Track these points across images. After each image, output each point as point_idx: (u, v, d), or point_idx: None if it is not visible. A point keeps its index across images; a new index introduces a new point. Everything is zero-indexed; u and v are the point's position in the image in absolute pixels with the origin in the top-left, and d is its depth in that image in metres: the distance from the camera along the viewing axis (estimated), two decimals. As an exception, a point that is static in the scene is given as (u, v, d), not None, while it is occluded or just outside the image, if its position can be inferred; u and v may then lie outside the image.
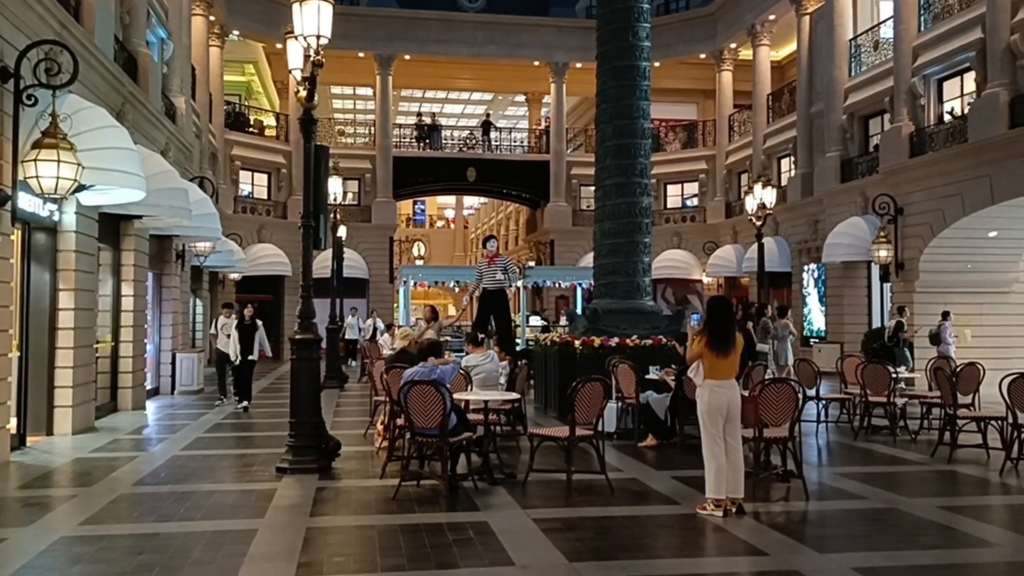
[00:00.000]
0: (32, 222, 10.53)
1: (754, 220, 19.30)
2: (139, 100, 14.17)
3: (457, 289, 31.95)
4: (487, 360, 10.17)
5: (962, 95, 18.56)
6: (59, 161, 9.09)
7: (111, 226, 13.62)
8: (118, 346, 14.08)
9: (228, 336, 14.67)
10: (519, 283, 23.64)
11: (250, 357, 14.58)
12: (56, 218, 11.09)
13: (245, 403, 14.51)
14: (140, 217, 13.77)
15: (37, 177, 9.10)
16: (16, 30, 9.55)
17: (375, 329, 23.41)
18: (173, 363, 17.15)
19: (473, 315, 15.27)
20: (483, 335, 10.99)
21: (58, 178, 9.13)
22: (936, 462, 9.78)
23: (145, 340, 15.32)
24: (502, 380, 10.52)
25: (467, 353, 10.48)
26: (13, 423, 9.98)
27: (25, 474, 8.91)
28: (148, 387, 15.78)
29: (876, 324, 21.21)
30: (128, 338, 14.21)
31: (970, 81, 18.08)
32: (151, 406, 14.98)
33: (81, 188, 9.81)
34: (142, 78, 14.92)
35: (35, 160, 9.06)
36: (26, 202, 9.83)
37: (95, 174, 9.85)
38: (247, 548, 6.05)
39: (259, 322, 14.97)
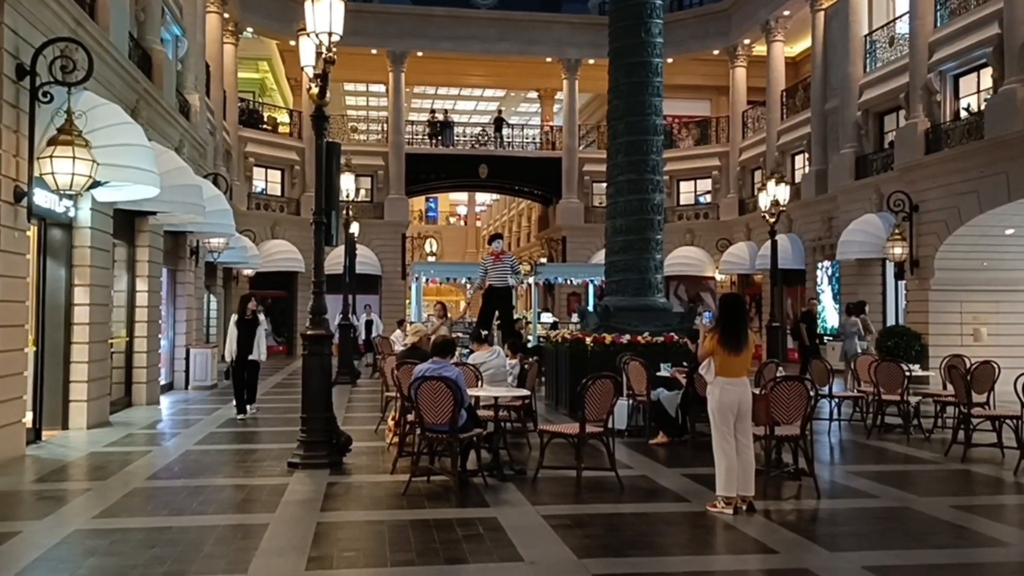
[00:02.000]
0: (48, 218, 10.62)
1: (768, 217, 19.24)
2: (153, 97, 14.25)
3: (469, 285, 31.99)
4: (494, 356, 10.22)
5: (978, 91, 18.42)
6: (74, 158, 9.16)
7: (126, 222, 13.70)
8: (132, 341, 14.18)
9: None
10: (530, 280, 23.67)
11: (251, 357, 13.10)
12: (71, 214, 11.18)
13: (242, 414, 12.99)
14: (154, 213, 13.84)
15: (53, 173, 9.18)
16: (32, 28, 9.62)
17: (370, 325, 23.41)
18: (187, 358, 17.26)
19: (476, 311, 15.23)
20: (487, 332, 11.01)
21: (73, 174, 9.20)
22: (950, 461, 9.73)
23: (159, 335, 15.41)
24: (510, 379, 10.55)
25: (472, 351, 10.51)
26: (29, 417, 10.07)
27: (41, 468, 9.00)
28: (162, 382, 15.88)
29: (891, 322, 21.10)
30: (142, 333, 14.30)
31: (987, 77, 17.95)
32: (165, 401, 15.07)
33: (96, 184, 9.88)
34: (156, 75, 15.01)
35: (51, 157, 9.14)
36: (42, 198, 9.91)
37: (110, 170, 9.91)
38: (258, 542, 6.09)
39: (262, 318, 13.63)
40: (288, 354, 28.39)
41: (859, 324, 16.73)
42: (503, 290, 13.31)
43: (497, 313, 13.82)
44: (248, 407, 13.23)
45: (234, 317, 13.35)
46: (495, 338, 12.78)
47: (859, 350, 16.07)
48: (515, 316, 15.06)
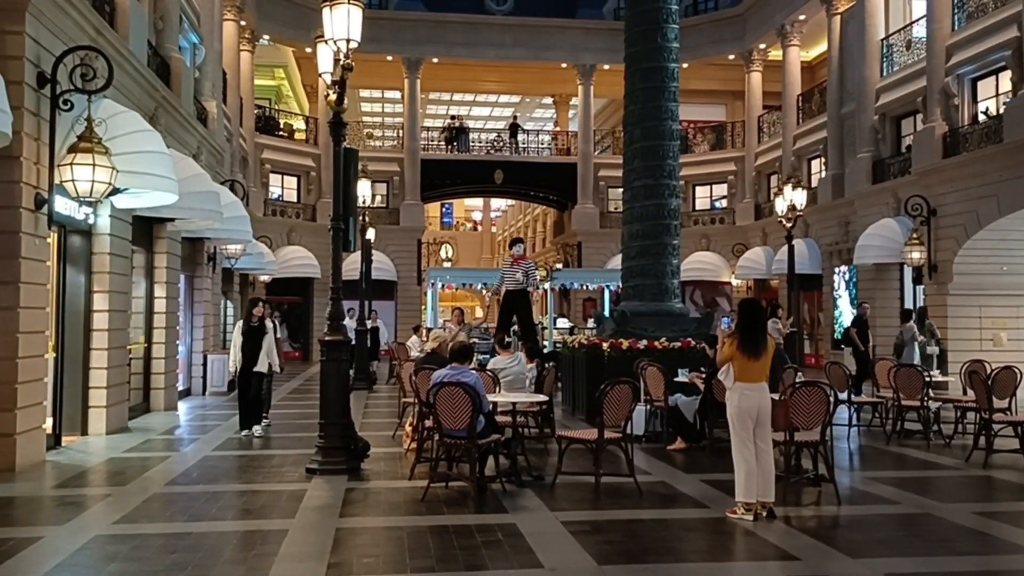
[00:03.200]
0: (68, 225, 10.71)
1: (784, 222, 19.13)
2: (172, 104, 14.35)
3: (484, 291, 32.10)
4: (514, 363, 10.23)
5: (997, 95, 18.27)
6: (94, 165, 9.22)
7: (144, 229, 13.80)
8: (151, 347, 14.27)
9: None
10: (545, 286, 23.65)
11: (256, 368, 11.63)
12: (91, 221, 11.27)
13: (246, 430, 11.60)
14: (172, 220, 13.93)
15: (73, 181, 9.24)
16: (53, 36, 9.71)
17: (376, 332, 23.14)
18: (204, 364, 17.34)
19: (496, 316, 15.34)
20: (509, 338, 11.02)
21: (93, 181, 9.27)
22: (971, 467, 9.63)
23: (177, 341, 15.49)
24: (527, 383, 10.53)
25: (492, 356, 10.54)
26: (49, 423, 10.15)
27: (60, 473, 9.06)
28: (180, 388, 15.95)
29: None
30: (161, 339, 14.39)
31: (1005, 80, 17.79)
32: (183, 407, 15.14)
33: (115, 191, 9.95)
34: (175, 83, 15.11)
35: (71, 164, 9.20)
36: (62, 205, 10.00)
37: (129, 177, 9.98)
38: (278, 548, 6.11)
39: (270, 324, 12.01)
40: (304, 360, 28.48)
41: (914, 330, 16.40)
42: (517, 292, 13.35)
43: (515, 317, 13.83)
44: (258, 424, 11.80)
45: (239, 324, 11.96)
46: (514, 343, 12.74)
47: (916, 360, 15.76)
48: (535, 320, 14.99)
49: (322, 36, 9.21)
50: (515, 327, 14.05)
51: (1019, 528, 6.94)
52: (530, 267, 13.96)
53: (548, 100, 38.73)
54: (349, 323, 20.39)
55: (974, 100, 18.95)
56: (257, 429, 11.72)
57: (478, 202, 55.91)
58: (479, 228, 59.47)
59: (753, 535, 6.63)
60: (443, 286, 25.16)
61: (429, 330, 16.37)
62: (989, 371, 11.13)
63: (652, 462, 9.71)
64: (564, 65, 32.58)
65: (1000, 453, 9.84)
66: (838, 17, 24.81)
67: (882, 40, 22.53)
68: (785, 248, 19.85)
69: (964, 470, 9.54)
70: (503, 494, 7.94)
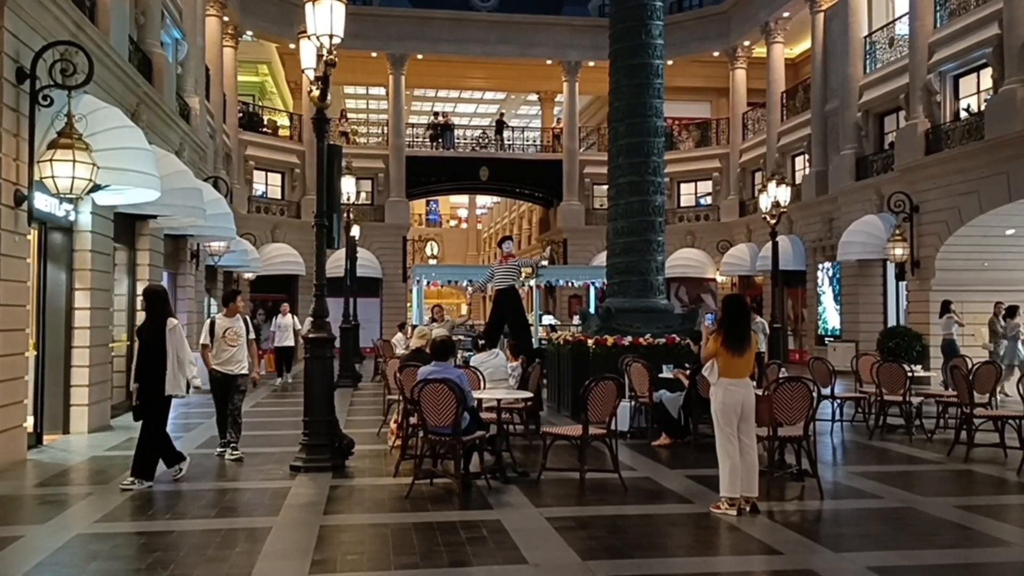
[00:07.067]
0: (48, 222, 10.61)
1: (768, 218, 19.24)
2: (153, 100, 14.24)
3: (470, 289, 32.12)
4: (492, 356, 10.29)
5: (979, 92, 18.43)
6: (75, 161, 9.15)
7: (126, 226, 13.70)
8: (133, 345, 14.13)
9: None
10: (531, 283, 23.64)
11: (168, 392, 8.21)
12: (72, 218, 11.17)
13: (133, 481, 7.96)
14: (155, 217, 13.83)
15: (53, 177, 9.17)
16: (32, 31, 9.61)
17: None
18: (187, 362, 17.19)
19: (481, 312, 15.41)
20: (485, 342, 11.04)
21: (74, 178, 9.19)
22: (952, 461, 9.70)
23: (160, 339, 15.36)
24: (511, 381, 10.54)
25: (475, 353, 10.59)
26: (30, 421, 10.06)
27: (42, 472, 8.98)
28: (163, 386, 15.82)
29: (891, 323, 21.09)
30: (143, 337, 14.27)
31: (987, 78, 17.96)
32: (166, 405, 14.99)
33: (96, 188, 9.87)
34: (156, 78, 15.01)
35: (51, 160, 9.13)
36: (42, 202, 9.91)
37: (110, 174, 9.90)
38: (261, 546, 6.08)
39: (173, 325, 8.31)
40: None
41: (1020, 327, 15.70)
42: (505, 291, 13.33)
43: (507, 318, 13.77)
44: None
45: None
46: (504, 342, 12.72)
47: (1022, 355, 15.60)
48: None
49: (305, 32, 9.17)
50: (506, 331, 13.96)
51: (1000, 521, 7.01)
52: (522, 263, 13.96)
53: (533, 97, 38.72)
54: (284, 320, 19.15)
55: (956, 97, 19.11)
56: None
57: (463, 199, 55.83)
58: (464, 225, 59.39)
59: (737, 530, 6.65)
60: (428, 283, 25.11)
61: (414, 327, 16.34)
62: (970, 366, 11.22)
63: (637, 458, 9.72)
64: (549, 62, 32.60)
65: (981, 447, 9.93)
66: (821, 14, 24.95)
67: (865, 37, 22.68)
68: (769, 245, 19.97)
69: (946, 464, 9.61)
70: (488, 490, 7.93)
